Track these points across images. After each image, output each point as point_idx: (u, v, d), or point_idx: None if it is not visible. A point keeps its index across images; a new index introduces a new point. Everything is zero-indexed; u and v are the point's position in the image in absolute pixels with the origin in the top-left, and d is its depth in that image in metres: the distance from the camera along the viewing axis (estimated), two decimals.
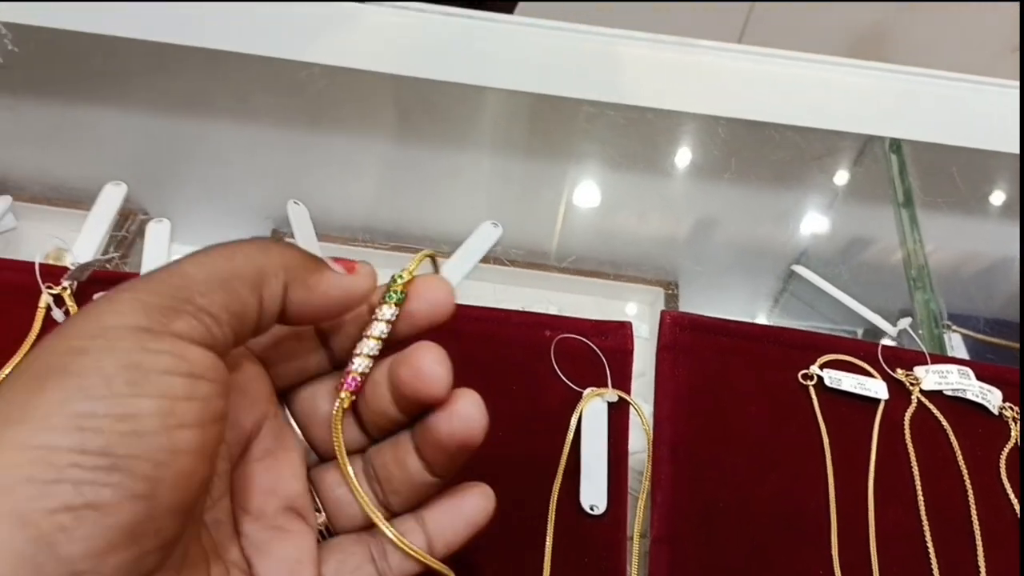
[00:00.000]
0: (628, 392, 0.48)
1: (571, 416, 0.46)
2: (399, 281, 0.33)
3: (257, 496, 0.32)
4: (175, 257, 0.30)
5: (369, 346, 0.32)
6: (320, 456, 0.35)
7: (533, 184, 0.69)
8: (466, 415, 0.31)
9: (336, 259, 0.31)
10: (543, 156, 0.70)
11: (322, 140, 0.68)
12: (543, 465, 0.45)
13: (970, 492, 0.45)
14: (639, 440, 0.47)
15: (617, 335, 0.50)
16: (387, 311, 0.33)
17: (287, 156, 0.66)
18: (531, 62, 0.71)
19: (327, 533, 0.34)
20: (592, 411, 0.46)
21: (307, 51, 0.69)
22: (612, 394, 0.47)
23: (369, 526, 0.34)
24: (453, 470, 0.33)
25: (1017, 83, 0.70)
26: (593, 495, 0.44)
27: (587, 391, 0.47)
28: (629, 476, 0.45)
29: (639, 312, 0.62)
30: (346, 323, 0.34)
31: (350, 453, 0.34)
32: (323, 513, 0.34)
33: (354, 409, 0.34)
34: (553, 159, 0.70)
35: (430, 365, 0.31)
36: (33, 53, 0.67)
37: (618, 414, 0.47)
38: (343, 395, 0.33)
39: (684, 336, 0.49)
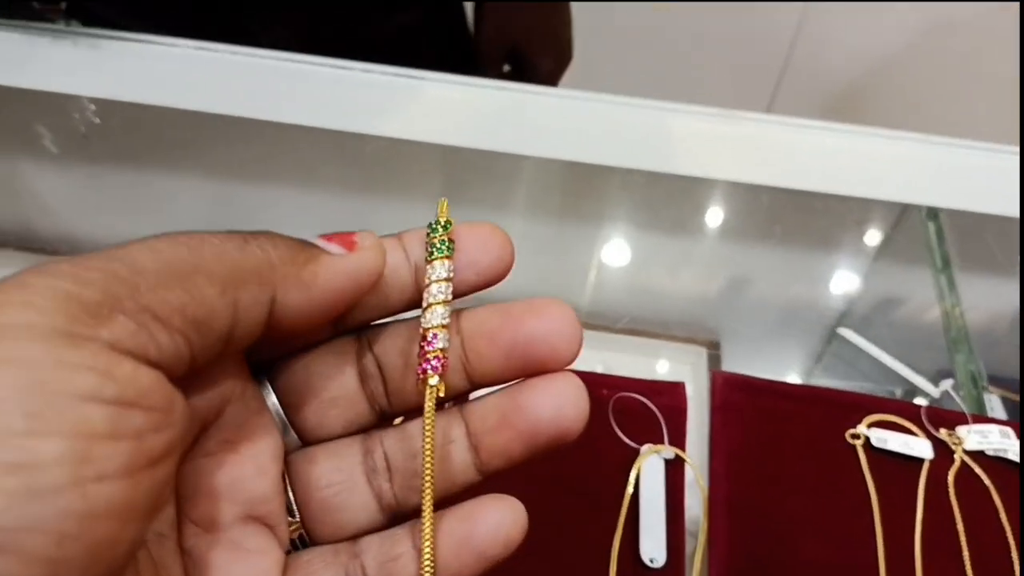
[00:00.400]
0: (683, 449, 0.50)
1: (628, 471, 0.49)
2: (440, 231, 0.27)
3: (207, 503, 0.25)
4: None
5: (439, 313, 0.26)
6: (306, 440, 0.28)
7: (579, 247, 0.72)
8: (574, 396, 0.25)
9: (328, 236, 0.26)
10: (584, 220, 0.73)
11: (373, 206, 0.72)
12: (602, 519, 0.48)
13: (1013, 549, 0.47)
14: (691, 495, 0.49)
15: (671, 394, 0.52)
16: (440, 268, 0.27)
17: (344, 221, 0.70)
18: (572, 132, 0.75)
19: (301, 543, 0.27)
20: (649, 467, 0.49)
21: (364, 124, 0.73)
22: (669, 451, 0.49)
23: (361, 535, 0.27)
24: (505, 468, 0.27)
25: None
26: (653, 548, 0.46)
27: (645, 447, 0.49)
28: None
29: (684, 371, 0.65)
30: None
31: (346, 434, 0.28)
32: (298, 518, 0.27)
33: (361, 372, 0.28)
34: (593, 223, 0.73)
35: (562, 319, 0.26)
36: (114, 125, 0.72)
37: (673, 470, 0.49)
38: (433, 382, 0.26)
39: (736, 396, 0.52)
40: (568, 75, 0.89)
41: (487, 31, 0.82)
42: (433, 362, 0.26)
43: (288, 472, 0.27)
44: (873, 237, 0.71)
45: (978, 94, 1.47)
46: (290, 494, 0.27)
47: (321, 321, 0.25)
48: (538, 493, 0.47)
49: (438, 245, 0.27)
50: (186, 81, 0.70)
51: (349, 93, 0.73)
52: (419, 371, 0.26)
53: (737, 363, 0.63)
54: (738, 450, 0.50)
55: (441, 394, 0.26)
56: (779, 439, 0.51)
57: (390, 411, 0.28)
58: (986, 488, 0.49)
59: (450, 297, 0.26)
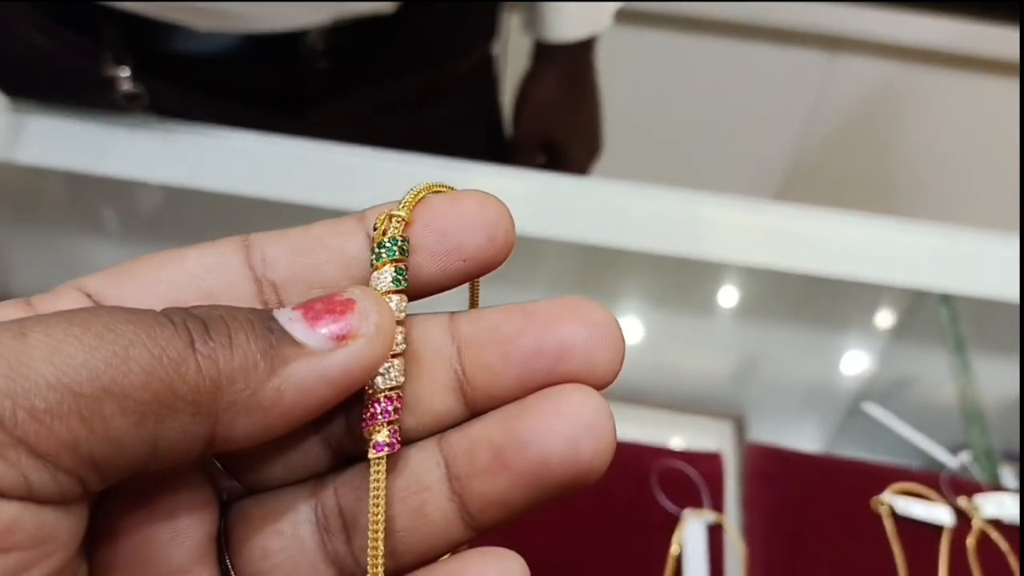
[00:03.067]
0: (722, 514, 0.54)
1: (669, 537, 0.53)
2: (391, 225, 0.20)
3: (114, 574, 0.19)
4: None
5: (394, 368, 0.20)
6: (249, 487, 0.21)
7: None
8: (595, 420, 0.19)
9: (316, 304, 0.19)
10: (607, 300, 0.78)
11: None
12: None
13: None
14: (729, 559, 0.53)
15: (709, 463, 0.57)
16: (387, 275, 0.20)
17: None
18: (601, 216, 0.80)
19: None
20: (692, 531, 0.53)
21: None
22: (710, 515, 0.53)
23: None
24: (506, 523, 0.20)
25: None
26: None
27: (686, 512, 0.54)
28: None
29: (711, 444, 0.69)
30: None
31: (292, 483, 0.21)
32: None
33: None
34: (616, 303, 0.78)
35: (605, 325, 0.20)
36: (184, 210, 0.77)
37: (713, 535, 0.53)
38: (380, 435, 0.19)
39: (770, 466, 0.56)
40: (597, 165, 0.95)
41: (524, 125, 0.88)
42: (383, 406, 0.20)
43: (226, 526, 0.21)
44: (889, 320, 0.76)
45: (988, 181, 1.53)
46: (228, 565, 0.21)
47: (280, 434, 0.19)
48: (579, 556, 0.51)
49: (382, 247, 0.20)
50: (252, 170, 0.76)
51: (397, 181, 0.78)
52: (363, 425, 0.20)
53: (762, 436, 0.68)
54: (773, 516, 0.54)
55: (395, 448, 0.20)
56: (810, 507, 0.55)
57: (351, 449, 0.21)
58: (1003, 553, 0.53)
59: (402, 315, 0.20)
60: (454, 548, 0.20)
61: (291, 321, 0.18)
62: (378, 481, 0.19)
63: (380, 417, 0.19)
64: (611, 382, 0.20)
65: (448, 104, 0.84)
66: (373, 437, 0.19)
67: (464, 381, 0.20)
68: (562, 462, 0.19)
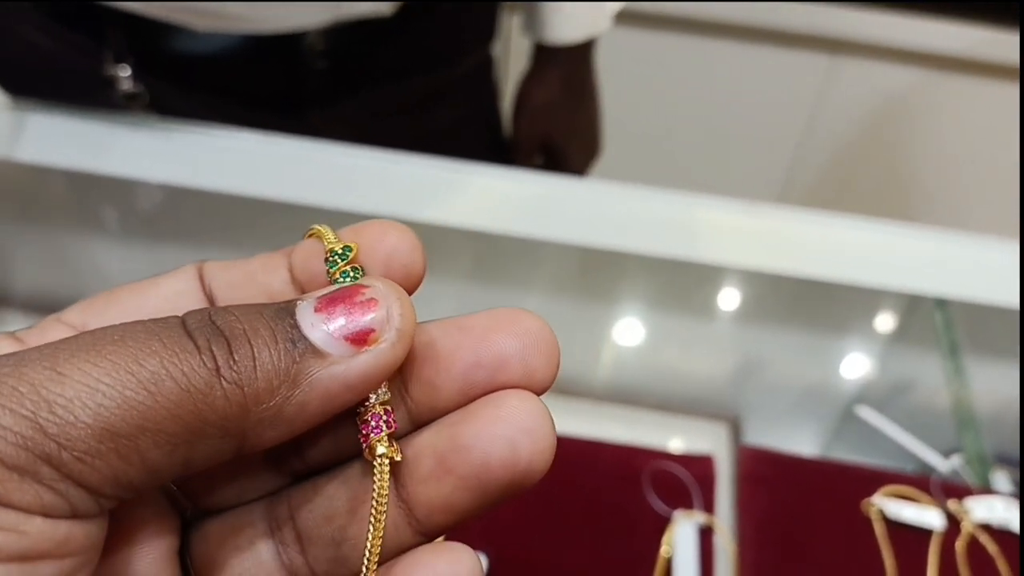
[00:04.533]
0: (712, 516, 0.55)
1: (659, 538, 0.53)
2: (341, 261, 0.21)
3: None
4: None
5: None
6: (206, 508, 0.22)
7: (601, 329, 0.77)
8: (533, 422, 0.20)
9: (335, 304, 0.19)
10: (606, 304, 0.78)
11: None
12: None
13: None
14: (719, 561, 0.53)
15: (700, 466, 0.57)
16: None
17: None
18: (599, 219, 0.81)
19: None
20: (683, 532, 0.53)
21: (409, 210, 0.79)
22: (701, 517, 0.54)
23: None
24: (453, 526, 0.21)
25: None
26: None
27: (677, 513, 0.54)
28: None
29: (706, 446, 0.69)
30: None
31: (247, 502, 0.22)
32: None
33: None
34: (615, 307, 0.78)
35: (538, 333, 0.21)
36: (183, 210, 0.78)
37: (703, 537, 0.54)
38: (381, 447, 0.20)
39: (762, 469, 0.56)
40: (596, 166, 0.95)
41: (523, 127, 0.88)
42: (380, 419, 0.20)
43: (188, 546, 0.22)
44: (886, 324, 0.76)
45: (988, 187, 1.53)
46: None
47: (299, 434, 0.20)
48: (568, 556, 0.51)
49: (342, 275, 0.21)
50: (251, 170, 0.76)
51: (397, 182, 0.79)
52: (362, 438, 0.20)
53: (757, 438, 0.68)
54: (764, 519, 0.54)
55: (397, 457, 0.20)
56: (801, 509, 0.55)
57: (302, 468, 0.22)
58: (992, 556, 0.53)
59: None
60: (403, 551, 0.21)
61: (312, 327, 0.19)
62: (380, 491, 0.20)
63: (376, 433, 0.20)
64: (549, 386, 0.20)
65: (448, 105, 0.84)
66: (376, 448, 0.20)
67: (406, 395, 0.21)
68: (502, 464, 0.19)
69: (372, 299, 0.19)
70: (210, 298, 0.23)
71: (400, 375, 0.21)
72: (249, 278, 0.23)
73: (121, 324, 0.19)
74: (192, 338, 0.18)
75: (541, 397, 0.20)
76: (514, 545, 0.50)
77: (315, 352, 0.19)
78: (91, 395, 0.17)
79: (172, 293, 0.23)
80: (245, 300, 0.21)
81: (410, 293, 0.21)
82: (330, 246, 0.22)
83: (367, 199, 0.77)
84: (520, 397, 0.20)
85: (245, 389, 0.18)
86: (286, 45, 0.70)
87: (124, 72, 0.70)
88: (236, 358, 0.18)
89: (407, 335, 0.19)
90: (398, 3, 0.69)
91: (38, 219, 0.77)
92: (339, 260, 0.21)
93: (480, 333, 0.20)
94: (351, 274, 0.21)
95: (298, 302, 0.20)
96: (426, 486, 0.20)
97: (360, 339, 0.19)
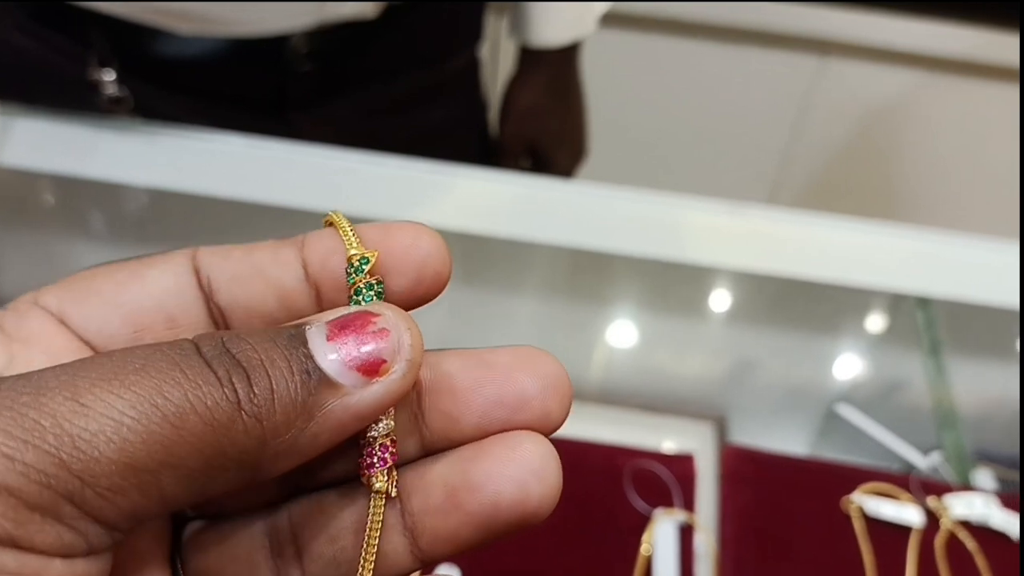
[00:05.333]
0: (693, 514, 0.55)
1: (640, 536, 0.53)
2: (362, 266, 0.21)
3: None
4: None
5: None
6: (204, 516, 0.22)
7: (591, 329, 0.77)
8: (543, 466, 0.20)
9: (347, 334, 0.19)
10: (596, 305, 0.79)
11: None
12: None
13: None
14: (701, 560, 0.54)
15: (681, 465, 0.57)
16: None
17: None
18: (586, 221, 0.81)
19: None
20: (663, 531, 0.54)
21: (397, 212, 0.79)
22: (681, 515, 0.54)
23: None
24: (452, 556, 0.21)
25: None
26: None
27: (658, 511, 0.54)
28: None
29: (693, 445, 0.69)
30: None
31: (247, 511, 0.22)
32: None
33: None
34: (604, 308, 0.78)
35: (557, 375, 0.21)
36: (168, 213, 0.78)
37: (684, 535, 0.54)
38: (378, 482, 0.20)
39: (744, 467, 0.57)
40: (583, 168, 0.96)
41: (509, 129, 0.88)
42: (378, 452, 0.20)
43: (180, 557, 0.22)
44: (869, 323, 0.77)
45: (977, 187, 1.54)
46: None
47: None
48: (549, 555, 0.52)
49: (360, 292, 0.21)
50: (237, 173, 0.77)
51: (384, 184, 0.79)
52: (363, 469, 0.20)
53: (742, 437, 0.68)
54: (746, 516, 0.54)
55: (393, 493, 0.20)
56: (781, 507, 0.55)
57: (307, 482, 0.22)
58: (971, 553, 0.54)
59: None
60: None
61: (326, 356, 0.19)
62: (372, 524, 0.20)
63: (378, 465, 0.20)
64: (560, 427, 0.21)
65: (434, 107, 0.85)
66: (373, 484, 0.20)
67: (423, 425, 0.21)
68: (511, 505, 0.20)
69: (383, 329, 0.19)
70: (207, 294, 0.22)
71: (419, 403, 0.21)
72: (256, 272, 0.22)
73: (139, 348, 0.18)
74: (212, 368, 0.18)
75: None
76: (493, 545, 0.50)
77: (328, 383, 0.19)
78: (116, 429, 0.17)
79: (160, 290, 0.21)
80: (251, 298, 0.21)
81: (434, 299, 0.22)
82: (351, 252, 0.21)
83: (354, 201, 0.77)
84: (534, 440, 0.20)
85: (264, 423, 0.18)
86: (270, 48, 0.70)
87: (109, 76, 0.70)
88: (256, 391, 0.18)
89: (416, 365, 0.19)
90: (381, 5, 0.69)
91: (23, 223, 0.78)
92: (357, 273, 0.21)
93: (503, 372, 0.21)
94: (375, 287, 0.21)
95: (308, 328, 0.19)
96: (433, 518, 0.20)
97: (371, 370, 0.19)
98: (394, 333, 0.19)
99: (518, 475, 0.20)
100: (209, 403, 0.17)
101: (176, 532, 0.22)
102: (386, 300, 0.21)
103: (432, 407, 0.21)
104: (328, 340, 0.19)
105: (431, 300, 0.22)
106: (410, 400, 0.21)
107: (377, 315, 0.19)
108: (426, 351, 0.21)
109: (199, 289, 0.22)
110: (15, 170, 0.75)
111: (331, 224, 0.22)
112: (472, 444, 0.20)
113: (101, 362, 0.18)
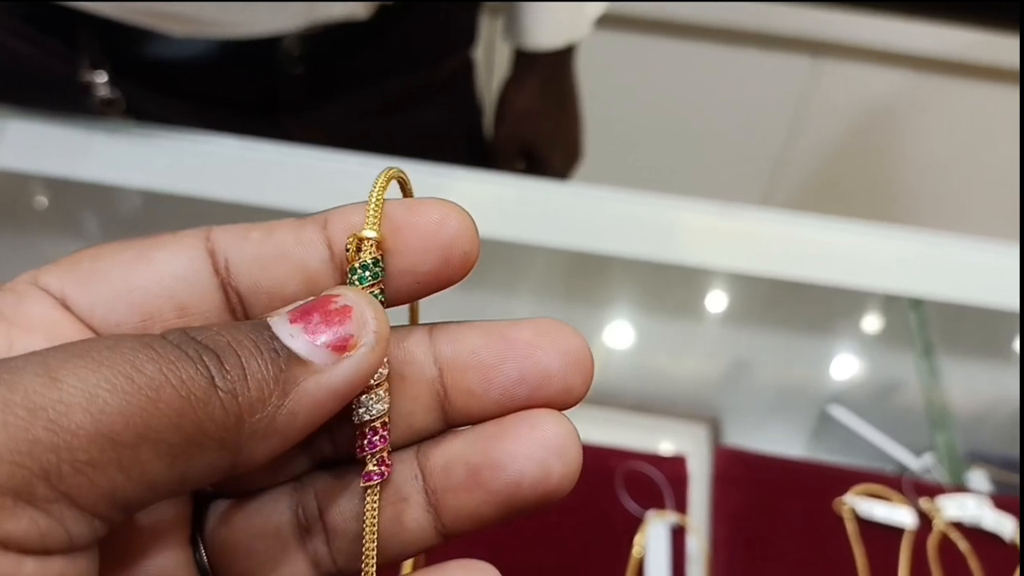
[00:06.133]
0: (685, 516, 0.55)
1: (632, 539, 0.53)
2: (364, 246, 0.20)
3: None
4: None
5: (377, 401, 0.20)
6: (221, 492, 0.22)
7: (585, 330, 0.77)
8: (564, 445, 0.20)
9: (311, 315, 0.19)
10: (590, 306, 0.79)
11: None
12: None
13: None
14: (693, 562, 0.54)
15: (674, 467, 0.57)
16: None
17: None
18: (581, 223, 0.81)
19: None
20: (655, 533, 0.53)
21: None
22: (673, 517, 0.54)
23: None
24: (474, 532, 0.21)
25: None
26: None
27: (650, 513, 0.54)
28: None
29: (687, 446, 0.69)
30: None
31: (272, 484, 0.22)
32: None
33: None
34: (599, 309, 0.78)
35: (578, 349, 0.21)
36: (160, 215, 0.78)
37: (676, 537, 0.54)
38: (370, 465, 0.20)
39: (736, 469, 0.56)
40: (578, 170, 0.96)
41: (504, 132, 0.88)
42: (371, 439, 0.20)
43: (202, 538, 0.22)
44: (863, 325, 0.76)
45: (973, 188, 1.54)
46: (204, 559, 0.22)
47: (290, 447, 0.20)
48: (541, 556, 0.51)
49: (356, 271, 0.20)
50: (230, 174, 0.76)
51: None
52: (364, 479, 0.20)
53: (736, 439, 0.68)
54: (738, 518, 0.54)
55: (377, 479, 0.20)
56: (774, 509, 0.55)
57: (330, 454, 0.22)
58: (963, 554, 0.54)
59: (386, 368, 0.20)
60: (425, 550, 0.21)
61: (292, 338, 0.19)
62: (372, 506, 0.20)
63: (368, 448, 0.20)
64: (581, 401, 0.21)
65: (428, 109, 0.85)
66: (365, 467, 0.20)
67: (445, 401, 0.21)
68: (533, 484, 0.20)
69: (345, 307, 0.19)
70: (225, 280, 0.21)
71: (441, 380, 0.21)
72: (279, 253, 0.21)
73: (108, 336, 0.18)
74: (182, 349, 0.18)
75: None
76: (483, 544, 0.50)
77: (298, 361, 0.18)
78: (91, 400, 0.16)
79: (170, 274, 0.20)
80: (274, 281, 0.21)
81: (460, 281, 0.21)
82: (356, 235, 0.20)
83: (347, 203, 0.77)
84: (555, 419, 0.20)
85: (240, 399, 0.18)
86: (262, 50, 0.70)
87: (100, 78, 0.70)
88: (228, 367, 0.18)
89: (384, 338, 0.19)
90: (373, 6, 0.69)
91: (15, 225, 0.78)
92: (358, 253, 0.20)
93: (524, 348, 0.20)
94: (370, 268, 0.20)
95: (270, 317, 0.19)
96: (456, 495, 0.20)
97: (340, 346, 0.19)
98: (356, 309, 0.19)
99: (539, 455, 0.20)
100: (184, 377, 0.17)
101: (199, 513, 0.22)
102: (393, 281, 0.21)
103: (454, 384, 0.21)
104: (292, 323, 0.19)
105: (458, 282, 0.21)
106: (432, 377, 0.21)
107: (336, 295, 0.19)
108: (448, 324, 0.21)
109: (214, 273, 0.21)
110: (7, 172, 0.75)
111: (396, 179, 0.22)
112: (493, 422, 0.20)
113: (69, 346, 0.17)
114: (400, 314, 0.23)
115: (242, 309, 0.21)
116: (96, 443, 0.16)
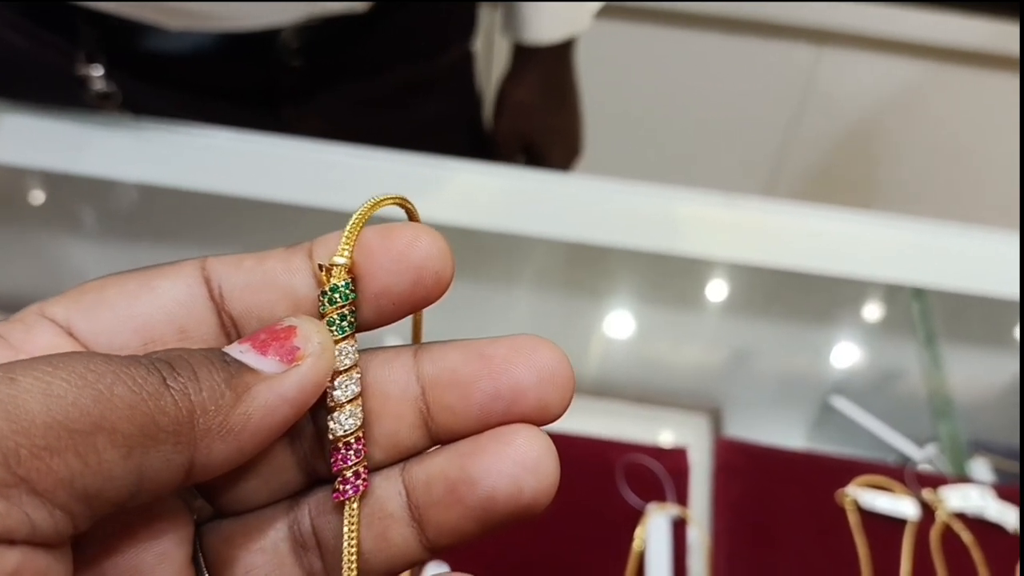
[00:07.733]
0: (686, 508, 0.54)
1: (632, 531, 0.53)
2: (333, 272, 0.21)
3: None
4: None
5: (346, 388, 0.21)
6: (221, 511, 0.23)
7: (586, 321, 0.77)
8: (537, 461, 0.20)
9: (258, 335, 0.20)
10: (592, 297, 0.78)
11: None
12: (608, 572, 0.52)
13: None
14: (694, 554, 0.53)
15: (674, 458, 0.57)
16: (335, 322, 0.21)
17: None
18: (583, 215, 0.81)
19: None
20: (655, 525, 0.53)
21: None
22: (673, 510, 0.54)
23: None
24: (458, 546, 0.22)
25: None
26: None
27: (650, 506, 0.54)
28: None
29: (688, 437, 0.69)
30: None
31: (269, 503, 0.22)
32: None
33: (292, 429, 0.21)
34: (600, 300, 0.78)
35: (556, 365, 0.21)
36: (158, 208, 0.78)
37: (677, 529, 0.54)
38: (345, 480, 0.21)
39: (738, 460, 0.56)
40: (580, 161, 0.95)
41: (504, 126, 0.88)
42: (344, 454, 0.21)
43: (203, 557, 0.22)
44: (864, 314, 0.76)
45: (976, 177, 1.53)
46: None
47: (250, 456, 0.20)
48: (543, 549, 0.51)
49: (328, 295, 0.21)
50: (228, 168, 0.76)
51: (377, 178, 0.78)
52: (335, 496, 0.21)
53: (738, 430, 0.68)
54: (739, 510, 0.54)
55: (352, 493, 0.21)
56: (775, 499, 0.55)
57: (323, 470, 0.22)
58: (967, 545, 0.53)
59: (357, 360, 0.21)
60: (412, 566, 0.22)
61: (242, 353, 0.20)
62: (351, 519, 0.21)
63: (342, 462, 0.21)
64: (561, 416, 0.21)
65: (427, 101, 0.84)
66: (337, 483, 0.21)
67: (429, 419, 0.21)
68: (506, 499, 0.20)
69: (290, 326, 0.20)
70: (219, 305, 0.22)
71: (424, 398, 0.21)
72: (269, 281, 0.22)
73: (77, 352, 0.19)
74: (134, 359, 0.19)
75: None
76: (485, 540, 0.50)
77: (249, 369, 0.20)
78: (46, 391, 0.17)
79: (171, 301, 0.22)
80: (264, 307, 0.22)
81: (436, 300, 0.22)
82: (327, 262, 0.21)
83: (346, 196, 0.77)
84: (528, 435, 0.21)
85: (192, 396, 0.19)
86: (260, 43, 0.70)
87: (97, 71, 0.69)
88: (178, 372, 0.19)
89: (329, 349, 0.20)
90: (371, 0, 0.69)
91: (12, 219, 0.77)
92: (327, 278, 0.21)
93: (500, 364, 0.21)
94: (339, 290, 0.21)
95: (226, 346, 0.20)
96: (437, 511, 0.21)
97: (288, 358, 0.20)
98: (300, 326, 0.20)
99: (511, 470, 0.20)
100: (137, 376, 0.18)
101: (200, 533, 0.22)
102: (370, 303, 0.21)
103: (436, 402, 0.21)
104: (241, 343, 0.20)
105: (433, 302, 0.22)
106: (415, 396, 0.21)
107: (283, 320, 0.21)
108: (429, 344, 0.22)
109: (210, 299, 0.22)
110: (3, 166, 0.75)
111: (400, 206, 0.23)
112: (470, 438, 0.21)
113: (34, 357, 0.18)
114: (404, 329, 0.24)
115: (236, 333, 0.22)
116: (52, 430, 0.17)
